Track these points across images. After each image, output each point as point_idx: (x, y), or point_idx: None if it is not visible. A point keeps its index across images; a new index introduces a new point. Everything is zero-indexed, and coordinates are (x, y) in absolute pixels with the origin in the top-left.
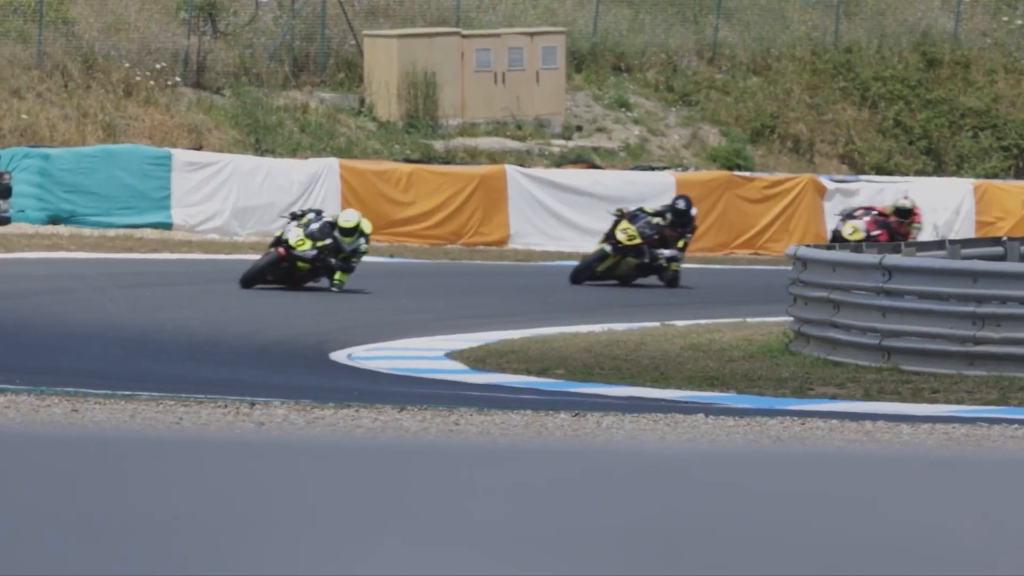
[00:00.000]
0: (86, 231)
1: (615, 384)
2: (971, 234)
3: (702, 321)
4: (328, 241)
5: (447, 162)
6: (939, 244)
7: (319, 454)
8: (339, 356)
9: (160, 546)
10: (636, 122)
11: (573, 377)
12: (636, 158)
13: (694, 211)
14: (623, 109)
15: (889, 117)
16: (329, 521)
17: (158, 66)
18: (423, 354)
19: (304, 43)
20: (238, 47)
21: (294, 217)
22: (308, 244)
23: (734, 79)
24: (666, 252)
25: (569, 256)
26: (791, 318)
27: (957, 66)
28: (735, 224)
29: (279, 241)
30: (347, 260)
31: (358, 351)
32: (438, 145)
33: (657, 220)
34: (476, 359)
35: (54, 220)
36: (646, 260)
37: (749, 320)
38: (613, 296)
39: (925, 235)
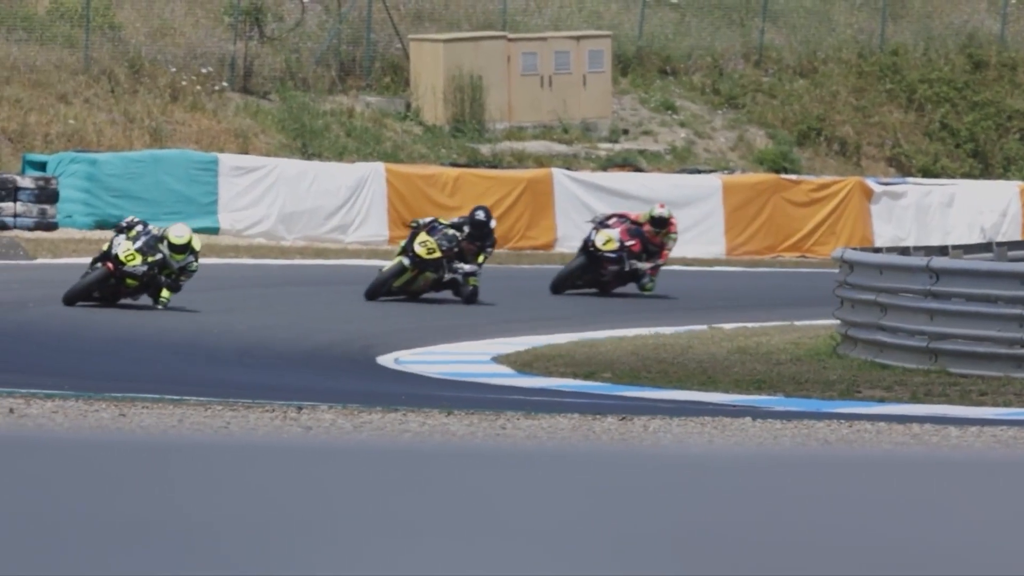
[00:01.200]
0: None
1: (662, 388)
2: (1018, 236)
3: (749, 324)
4: (158, 256)
5: (493, 166)
6: (986, 247)
7: (366, 458)
8: (386, 360)
9: (208, 548)
10: (682, 125)
11: (620, 381)
12: (682, 161)
13: (493, 223)
14: (669, 112)
15: (936, 120)
16: (376, 523)
17: (204, 71)
18: (470, 358)
19: (350, 47)
20: (284, 51)
21: (120, 230)
22: (139, 259)
23: (780, 82)
24: (465, 267)
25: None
26: (838, 321)
27: (1004, 68)
28: (782, 227)
29: (107, 255)
30: (175, 278)
31: (405, 355)
32: (484, 149)
33: (455, 233)
34: (523, 363)
35: (101, 225)
36: (444, 275)
37: (796, 323)
38: (660, 300)
39: (972, 237)
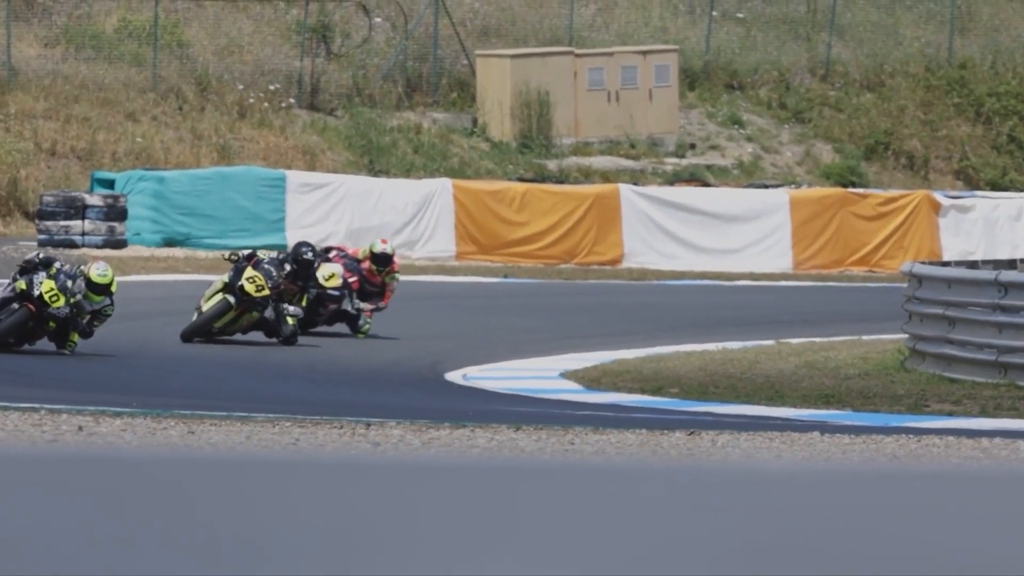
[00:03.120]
0: (201, 253)
1: (730, 403)
2: None
3: (817, 339)
4: (78, 296)
5: (560, 181)
6: None
7: (435, 474)
8: (454, 376)
9: (279, 564)
10: (749, 139)
11: (688, 396)
12: (749, 176)
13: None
14: (736, 127)
15: (1003, 132)
16: (445, 540)
17: (272, 88)
18: (537, 374)
19: (417, 63)
20: (351, 68)
21: (34, 266)
22: (62, 300)
23: (847, 96)
24: (290, 308)
25: (683, 275)
26: (906, 335)
27: None
28: (849, 241)
29: (25, 295)
30: (89, 322)
31: (473, 371)
32: (551, 164)
33: (276, 271)
34: (590, 379)
35: (169, 242)
36: (269, 315)
37: (864, 338)
38: (728, 314)
39: None
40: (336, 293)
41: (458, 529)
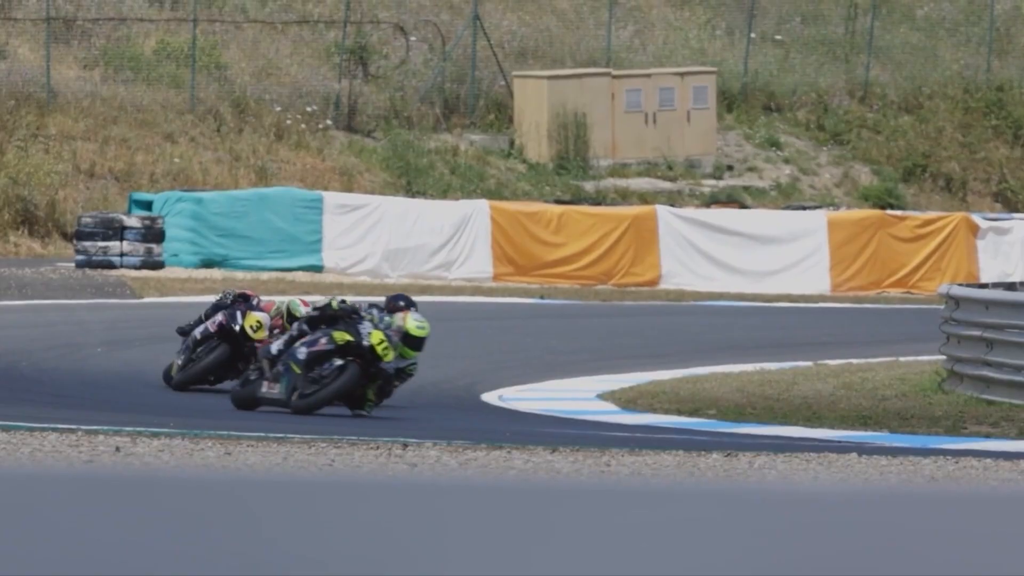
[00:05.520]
0: (239, 274)
1: (767, 424)
2: None
3: (854, 360)
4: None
5: (598, 203)
6: None
7: (471, 495)
8: (490, 397)
9: None
10: (787, 161)
11: (725, 417)
12: (787, 197)
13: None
14: (774, 148)
15: None
16: (480, 561)
17: (309, 109)
18: (574, 395)
19: (454, 85)
20: (389, 90)
21: (348, 315)
22: (392, 354)
23: (885, 118)
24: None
25: (720, 296)
26: (944, 357)
27: None
28: (887, 263)
29: (351, 348)
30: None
31: (509, 392)
32: (588, 186)
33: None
34: (627, 400)
35: (207, 264)
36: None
37: (902, 359)
38: (765, 336)
39: None
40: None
41: (493, 551)
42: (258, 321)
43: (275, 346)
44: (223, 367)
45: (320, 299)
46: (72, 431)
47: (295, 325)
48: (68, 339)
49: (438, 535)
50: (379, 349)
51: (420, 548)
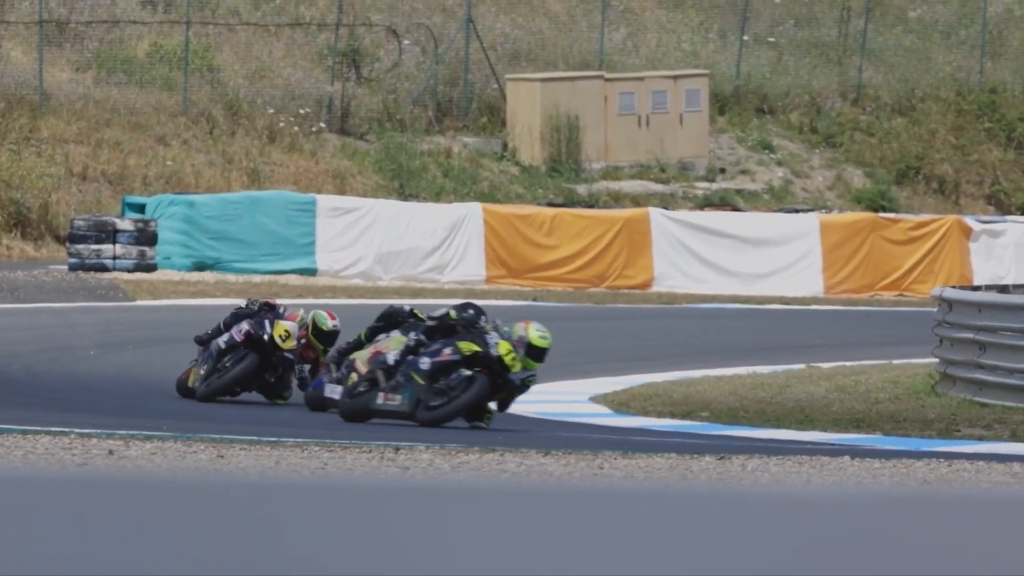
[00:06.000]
0: (231, 277)
1: (760, 427)
2: None
3: (847, 363)
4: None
5: (590, 205)
6: None
7: (464, 498)
8: None
9: None
10: (780, 164)
11: (718, 420)
12: (780, 200)
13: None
14: (767, 151)
15: None
16: (474, 564)
17: (302, 112)
18: (567, 398)
19: (447, 88)
20: (382, 92)
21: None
22: (519, 366)
23: (878, 120)
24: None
25: (713, 299)
26: (937, 359)
27: None
28: (880, 266)
29: (479, 359)
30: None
31: None
32: (581, 189)
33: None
34: (620, 402)
35: (199, 267)
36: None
37: (894, 362)
38: (758, 338)
39: None
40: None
41: (487, 553)
42: (286, 330)
43: (391, 356)
44: (251, 377)
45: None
46: (65, 434)
47: (410, 335)
48: (61, 342)
49: (431, 538)
50: (507, 359)
51: (414, 550)
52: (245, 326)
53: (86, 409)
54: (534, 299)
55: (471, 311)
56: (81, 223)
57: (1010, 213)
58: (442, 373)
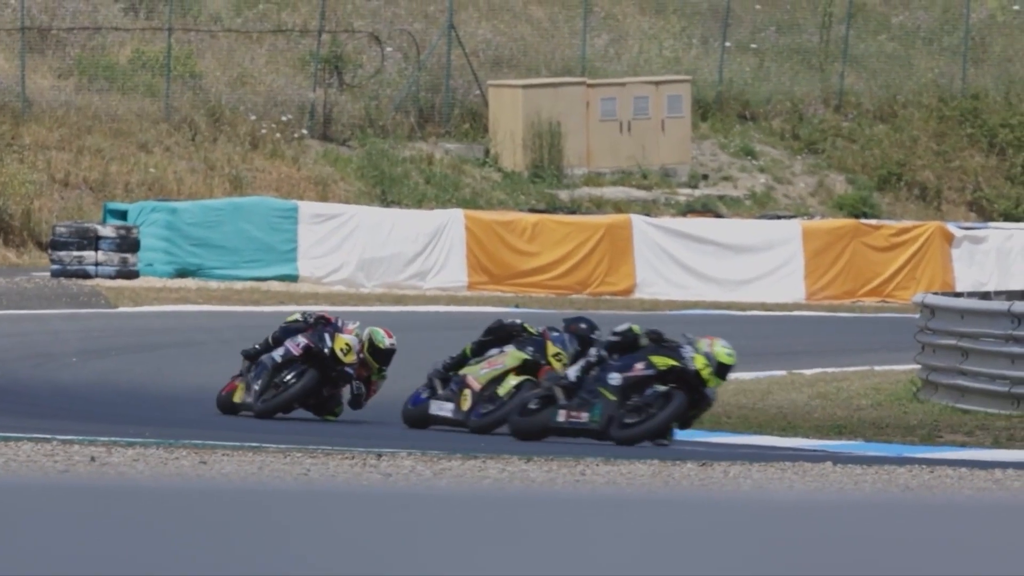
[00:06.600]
0: (213, 284)
1: (742, 433)
2: None
3: (829, 369)
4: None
5: (572, 212)
6: None
7: (446, 505)
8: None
9: None
10: (762, 170)
11: (700, 426)
12: (762, 207)
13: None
14: (749, 157)
15: (1017, 164)
16: (456, 570)
17: (284, 119)
18: None
19: (429, 94)
20: (364, 99)
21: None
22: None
23: (860, 127)
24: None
25: (695, 305)
26: (919, 366)
27: None
28: (862, 272)
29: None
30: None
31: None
32: (563, 195)
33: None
34: None
35: (181, 273)
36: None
37: (877, 368)
38: (740, 345)
39: None
40: (350, 371)
41: (468, 560)
42: (347, 344)
43: (572, 372)
44: (311, 393)
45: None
46: (47, 441)
47: (592, 351)
48: (43, 349)
49: (413, 543)
50: (704, 374)
51: (395, 556)
52: (303, 339)
53: (68, 416)
54: (516, 305)
55: (583, 325)
56: (63, 230)
57: (992, 219)
58: (634, 389)
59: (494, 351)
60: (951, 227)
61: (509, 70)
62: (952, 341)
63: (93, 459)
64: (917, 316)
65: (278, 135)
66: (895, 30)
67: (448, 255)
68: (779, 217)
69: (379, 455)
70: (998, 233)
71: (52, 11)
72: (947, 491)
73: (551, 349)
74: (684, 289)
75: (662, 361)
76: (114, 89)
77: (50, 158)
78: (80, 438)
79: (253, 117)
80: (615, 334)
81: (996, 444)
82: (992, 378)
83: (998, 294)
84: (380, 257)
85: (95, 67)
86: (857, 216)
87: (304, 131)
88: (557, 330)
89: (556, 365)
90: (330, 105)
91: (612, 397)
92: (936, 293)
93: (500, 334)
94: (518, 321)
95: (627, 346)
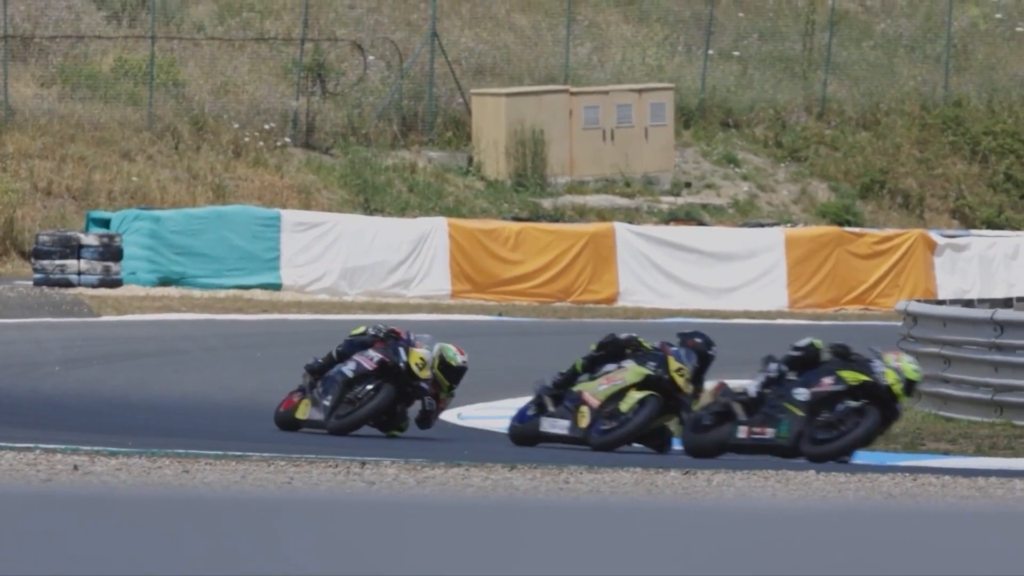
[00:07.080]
0: (196, 292)
1: None
2: None
3: None
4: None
5: (555, 220)
6: None
7: (430, 513)
8: (449, 415)
9: None
10: (745, 178)
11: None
12: (745, 214)
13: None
14: (732, 165)
15: (1000, 171)
16: None
17: (267, 127)
18: None
19: (412, 102)
20: (347, 107)
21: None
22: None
23: (843, 134)
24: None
25: (678, 313)
26: None
27: None
28: (845, 280)
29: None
30: None
31: (468, 410)
32: (546, 203)
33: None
34: None
35: (165, 282)
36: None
37: None
38: (723, 352)
39: None
40: (425, 386)
41: (452, 568)
42: (422, 358)
43: (752, 388)
44: (386, 410)
45: None
46: (30, 450)
47: (774, 367)
48: (25, 358)
49: (396, 551)
50: (896, 389)
51: (378, 564)
52: (376, 354)
53: (51, 425)
54: (500, 314)
55: (699, 339)
56: (46, 238)
57: (974, 227)
58: (823, 404)
59: (610, 366)
60: (934, 235)
61: (492, 78)
62: (935, 349)
63: (76, 468)
64: (900, 324)
65: (261, 143)
66: (878, 38)
67: (431, 263)
68: (762, 225)
69: (363, 463)
70: (980, 241)
71: (35, 19)
72: (930, 499)
73: (673, 364)
74: (667, 297)
75: (852, 376)
76: (97, 97)
77: (33, 166)
78: (63, 447)
79: (236, 125)
80: (796, 349)
81: (979, 452)
82: (975, 386)
83: (981, 302)
84: (363, 265)
85: (78, 75)
86: (840, 224)
87: (287, 139)
88: (673, 345)
89: (679, 380)
90: (313, 113)
91: (800, 413)
92: (919, 301)
93: (612, 348)
94: (633, 335)
95: (808, 361)
